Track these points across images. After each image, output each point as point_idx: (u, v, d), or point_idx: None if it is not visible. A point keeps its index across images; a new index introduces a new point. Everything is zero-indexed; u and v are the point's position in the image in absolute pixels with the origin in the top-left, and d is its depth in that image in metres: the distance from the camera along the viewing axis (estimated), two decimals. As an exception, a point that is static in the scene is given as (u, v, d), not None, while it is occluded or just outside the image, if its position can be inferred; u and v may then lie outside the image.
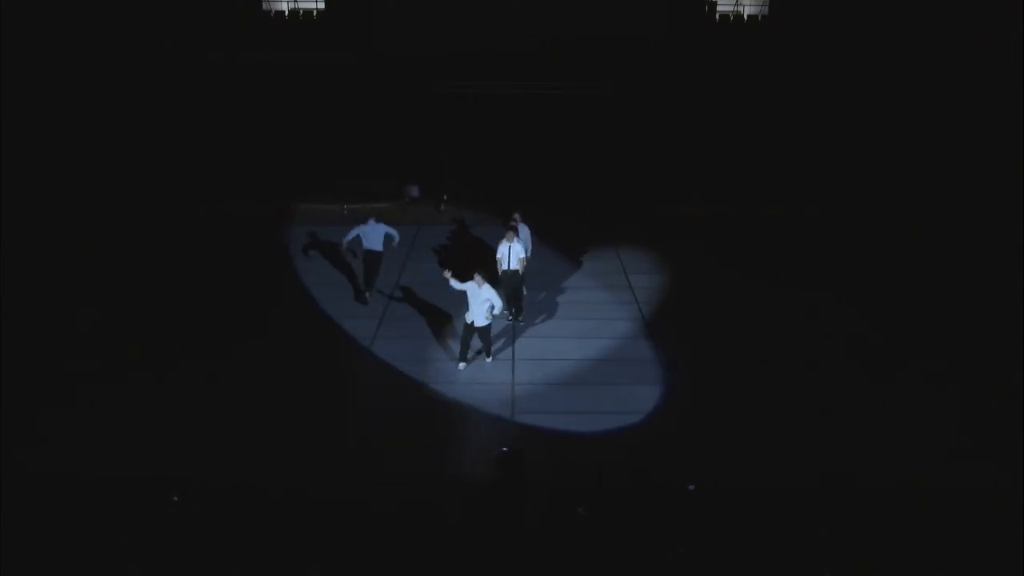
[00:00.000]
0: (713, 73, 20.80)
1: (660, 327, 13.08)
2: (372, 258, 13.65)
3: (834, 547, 7.67)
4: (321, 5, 21.06)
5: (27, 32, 18.93)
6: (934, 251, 16.45)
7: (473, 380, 11.30)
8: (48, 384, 10.95)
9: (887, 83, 20.17)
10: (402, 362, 11.75)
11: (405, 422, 10.28)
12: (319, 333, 12.74)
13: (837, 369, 11.67)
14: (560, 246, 16.29)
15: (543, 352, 12.15)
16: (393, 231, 13.79)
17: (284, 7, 21.16)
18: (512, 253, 12.56)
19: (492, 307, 11.25)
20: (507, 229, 13.01)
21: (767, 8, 21.25)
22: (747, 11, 21.30)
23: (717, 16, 21.30)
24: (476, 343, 11.67)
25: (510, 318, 12.83)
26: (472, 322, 11.28)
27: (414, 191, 19.68)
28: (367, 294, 13.78)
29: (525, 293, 13.28)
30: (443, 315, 13.32)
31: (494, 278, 12.00)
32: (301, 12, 21.15)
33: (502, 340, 12.33)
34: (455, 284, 11.33)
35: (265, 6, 21.07)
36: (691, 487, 8.28)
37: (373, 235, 13.55)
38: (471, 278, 11.14)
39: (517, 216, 13.61)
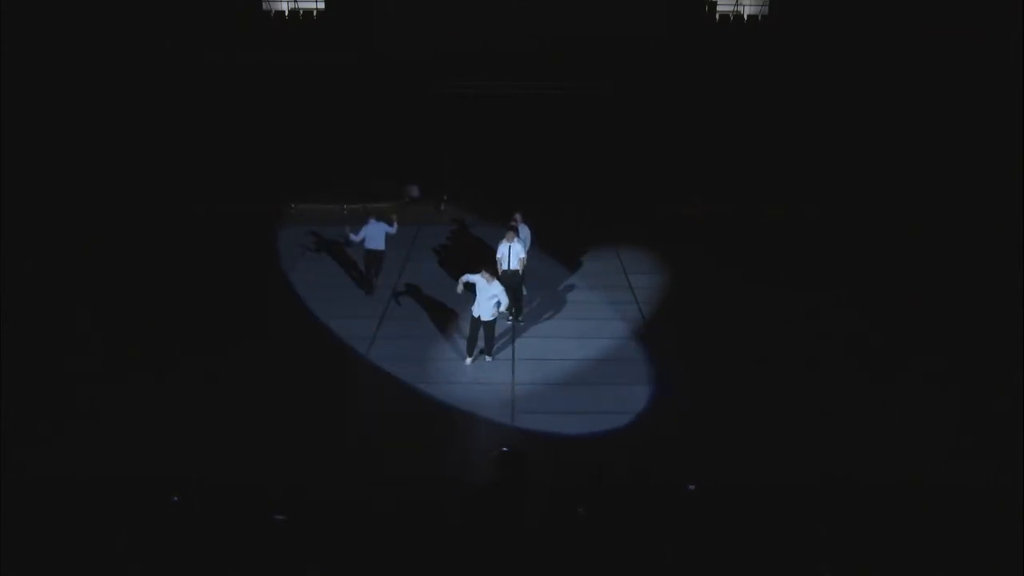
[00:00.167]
0: (713, 73, 20.80)
1: (660, 327, 13.08)
2: (374, 256, 13.83)
3: (834, 547, 7.66)
4: (321, 5, 21.07)
5: (27, 32, 18.93)
6: (934, 251, 16.45)
7: (473, 380, 11.30)
8: (48, 384, 10.95)
9: (887, 83, 20.17)
10: (402, 362, 11.75)
11: (405, 422, 10.28)
12: (319, 333, 12.74)
13: (837, 369, 11.67)
14: (560, 246, 16.28)
15: (543, 352, 12.15)
16: (391, 228, 13.92)
17: (284, 7, 21.17)
18: (512, 253, 12.56)
19: (499, 303, 11.33)
20: (507, 229, 13.01)
21: (767, 8, 21.25)
22: (747, 11, 21.30)
23: (717, 16, 21.31)
24: (479, 343, 11.69)
25: (510, 318, 12.83)
26: (479, 316, 11.36)
27: (414, 191, 19.69)
28: (372, 284, 14.03)
29: (525, 293, 13.28)
30: (443, 315, 13.32)
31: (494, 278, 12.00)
32: (301, 12, 21.15)
33: (502, 340, 12.32)
34: (466, 278, 11.48)
35: (265, 6, 21.07)
36: (691, 487, 8.27)
37: (375, 234, 13.68)
38: (479, 273, 11.35)
39: (518, 216, 13.62)
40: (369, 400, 10.96)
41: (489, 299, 11.27)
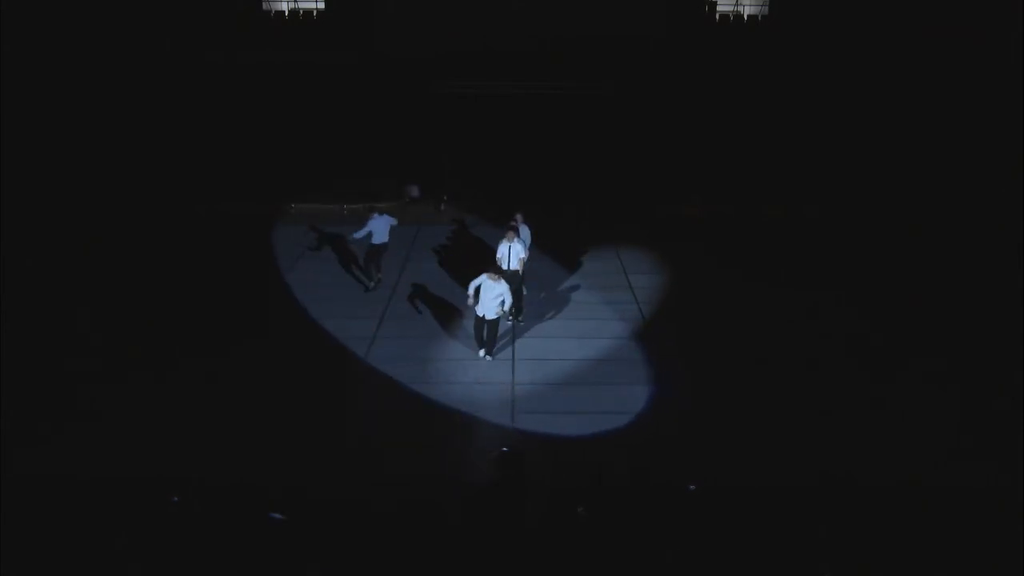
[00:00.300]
0: (713, 73, 20.82)
1: (660, 327, 13.08)
2: (379, 250, 14.11)
3: (834, 547, 7.67)
4: (321, 5, 21.08)
5: (27, 32, 18.93)
6: (934, 251, 16.46)
7: (473, 380, 11.30)
8: (48, 384, 10.95)
9: (887, 83, 20.18)
10: (402, 362, 11.75)
11: (405, 422, 10.29)
12: (319, 333, 12.74)
13: (837, 369, 11.67)
14: (560, 246, 16.28)
15: (543, 352, 12.15)
16: (395, 220, 14.27)
17: (284, 7, 21.18)
18: (512, 253, 12.57)
19: (503, 302, 11.39)
20: (507, 229, 13.01)
21: (767, 8, 21.26)
22: (747, 11, 21.31)
23: (717, 16, 21.32)
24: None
25: (510, 318, 12.83)
26: (484, 315, 11.42)
27: (414, 191, 19.69)
28: (375, 278, 14.30)
29: (525, 293, 13.29)
30: (443, 315, 13.33)
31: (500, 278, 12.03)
32: (301, 12, 21.16)
33: (502, 340, 12.32)
34: (474, 284, 11.53)
35: (265, 6, 21.08)
36: (691, 487, 8.27)
37: (382, 228, 13.91)
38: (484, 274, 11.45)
39: (519, 216, 13.61)
40: (369, 400, 10.95)
41: (495, 298, 11.34)
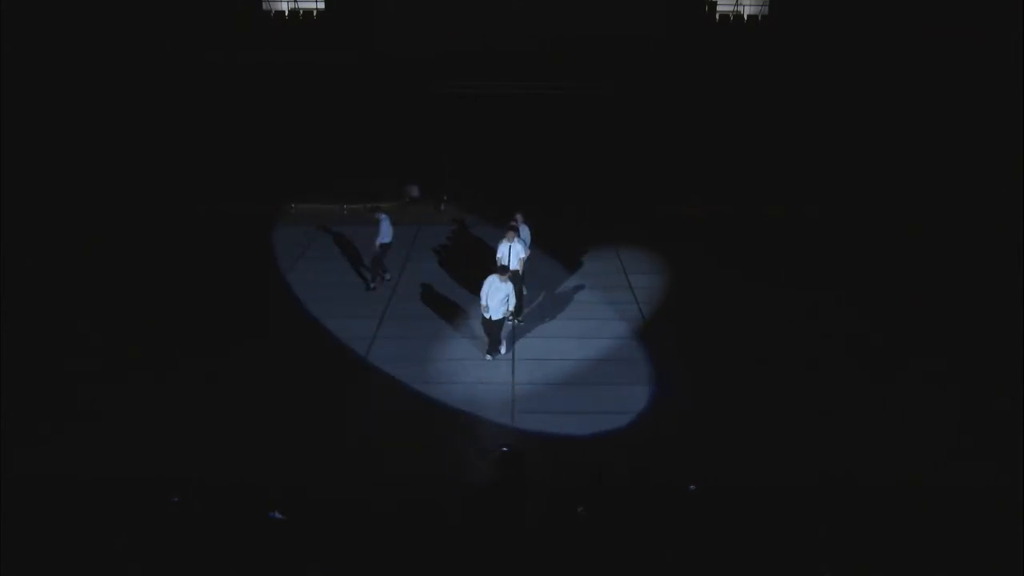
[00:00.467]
0: (713, 73, 20.82)
1: (660, 327, 13.08)
2: (385, 248, 14.23)
3: (834, 547, 7.67)
4: (321, 5, 21.08)
5: (27, 32, 18.94)
6: (934, 251, 16.46)
7: (473, 380, 11.30)
8: (48, 384, 10.95)
9: (887, 83, 20.18)
10: (402, 362, 11.75)
11: (405, 422, 10.29)
12: (319, 333, 12.74)
13: (837, 369, 11.67)
14: (560, 246, 16.29)
15: (543, 352, 12.16)
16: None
17: (284, 7, 21.18)
18: (512, 253, 12.56)
19: (508, 302, 11.45)
20: (507, 229, 13.01)
21: (767, 8, 21.27)
22: (747, 11, 21.32)
23: (717, 16, 21.33)
24: (482, 345, 11.69)
25: (510, 318, 12.84)
26: (490, 316, 11.47)
27: (414, 191, 19.70)
28: (379, 278, 14.48)
29: (525, 293, 13.29)
30: (443, 315, 13.33)
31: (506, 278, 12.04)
32: (301, 12, 21.17)
33: (503, 340, 12.32)
34: (484, 288, 11.53)
35: (265, 6, 21.09)
36: (691, 487, 8.28)
37: (385, 228, 14.07)
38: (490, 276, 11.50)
39: (519, 216, 13.61)
40: (369, 400, 10.95)
41: (502, 299, 11.40)
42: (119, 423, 10.03)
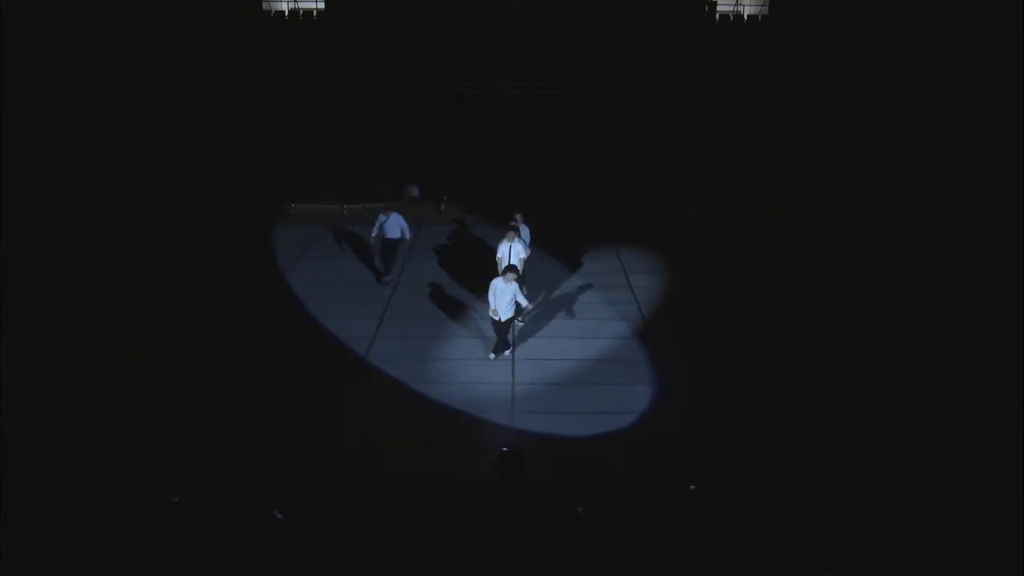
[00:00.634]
0: (713, 73, 20.79)
1: (660, 327, 13.08)
2: (391, 244, 14.37)
3: (834, 547, 7.67)
4: (321, 5, 21.06)
5: (27, 32, 18.93)
6: (934, 251, 16.46)
7: (473, 380, 11.30)
8: (48, 384, 10.95)
9: (887, 83, 20.16)
10: (402, 362, 11.75)
11: (405, 422, 10.28)
12: (319, 333, 12.74)
13: (837, 369, 11.67)
14: (560, 246, 16.28)
15: (543, 352, 12.15)
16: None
17: (284, 7, 21.16)
18: (512, 253, 12.56)
19: (515, 301, 11.51)
20: (507, 229, 13.01)
21: (767, 8, 21.24)
22: (747, 11, 21.30)
23: (717, 16, 21.29)
24: (482, 345, 11.68)
25: (520, 320, 12.86)
26: (500, 319, 11.50)
27: (414, 191, 19.69)
28: (387, 276, 14.64)
29: (525, 293, 13.27)
30: (444, 315, 13.33)
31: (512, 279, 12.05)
32: (301, 12, 21.14)
33: (510, 343, 12.33)
34: (491, 291, 11.55)
35: (265, 6, 21.06)
36: (691, 487, 8.27)
37: (394, 224, 14.21)
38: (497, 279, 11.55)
39: (519, 216, 13.61)
40: (369, 400, 10.95)
41: (510, 300, 11.43)
42: (119, 423, 10.03)
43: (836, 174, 19.45)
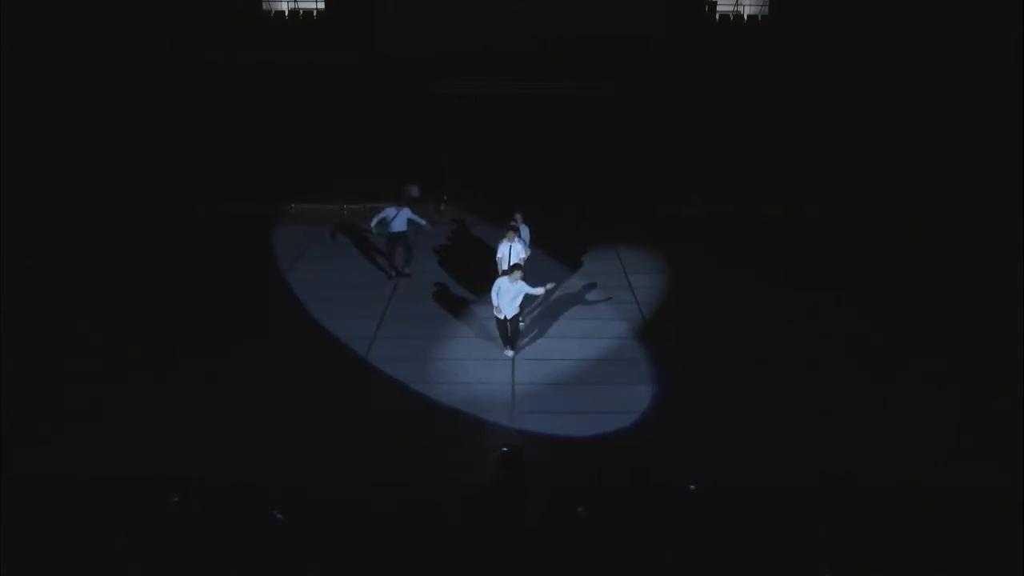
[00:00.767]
0: (713, 73, 20.79)
1: (660, 327, 13.08)
2: (399, 238, 14.55)
3: (834, 547, 7.66)
4: (321, 5, 21.05)
5: (27, 32, 18.92)
6: (934, 251, 16.45)
7: (473, 380, 11.30)
8: (48, 384, 10.95)
9: (887, 83, 20.16)
10: (402, 362, 11.75)
11: (405, 422, 10.28)
12: (319, 333, 12.74)
13: (837, 369, 11.67)
14: (560, 246, 16.28)
15: (543, 352, 12.15)
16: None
17: (284, 7, 21.15)
18: (513, 253, 12.57)
19: (520, 299, 11.51)
20: (507, 229, 13.01)
21: (767, 8, 21.23)
22: (747, 11, 21.28)
23: (717, 16, 21.28)
24: (484, 343, 11.68)
25: (523, 320, 12.85)
26: (505, 317, 11.53)
27: (414, 191, 19.65)
28: (406, 268, 14.88)
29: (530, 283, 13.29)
30: (444, 315, 13.33)
31: (493, 279, 12.03)
32: (301, 12, 21.13)
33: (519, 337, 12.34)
34: (494, 291, 11.55)
35: (265, 6, 21.05)
36: (691, 487, 8.27)
37: (400, 220, 14.34)
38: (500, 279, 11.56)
39: (519, 216, 13.61)
40: (369, 400, 10.95)
41: (513, 299, 11.43)
42: (119, 423, 10.03)
43: (836, 174, 19.45)
